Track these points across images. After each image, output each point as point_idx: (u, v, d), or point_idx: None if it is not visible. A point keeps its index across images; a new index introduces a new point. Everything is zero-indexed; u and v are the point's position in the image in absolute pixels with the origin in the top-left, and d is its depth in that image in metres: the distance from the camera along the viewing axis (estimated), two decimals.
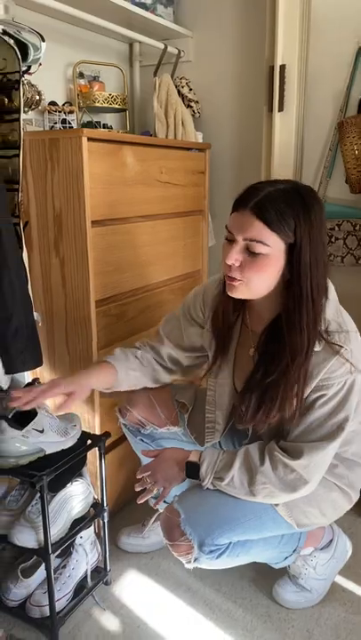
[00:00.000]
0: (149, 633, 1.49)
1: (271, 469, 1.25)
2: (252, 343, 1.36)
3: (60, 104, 2.06)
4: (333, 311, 1.26)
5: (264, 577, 1.66)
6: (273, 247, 1.19)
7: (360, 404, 1.29)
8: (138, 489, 1.42)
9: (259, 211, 1.18)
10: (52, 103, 2.02)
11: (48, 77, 1.95)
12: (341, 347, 1.21)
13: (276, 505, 1.35)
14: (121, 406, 1.65)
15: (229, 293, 1.28)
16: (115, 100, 2.21)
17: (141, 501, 1.42)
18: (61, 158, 1.59)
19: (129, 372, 1.50)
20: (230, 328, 1.40)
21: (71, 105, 2.10)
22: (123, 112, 2.34)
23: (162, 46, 2.30)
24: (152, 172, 1.90)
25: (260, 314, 1.35)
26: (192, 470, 1.35)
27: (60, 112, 2.04)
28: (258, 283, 1.23)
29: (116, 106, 2.21)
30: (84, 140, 1.56)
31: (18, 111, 1.46)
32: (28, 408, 1.36)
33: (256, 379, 1.30)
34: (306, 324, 1.20)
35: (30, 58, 1.48)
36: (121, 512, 1.89)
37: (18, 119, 1.46)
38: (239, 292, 1.26)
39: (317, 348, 1.21)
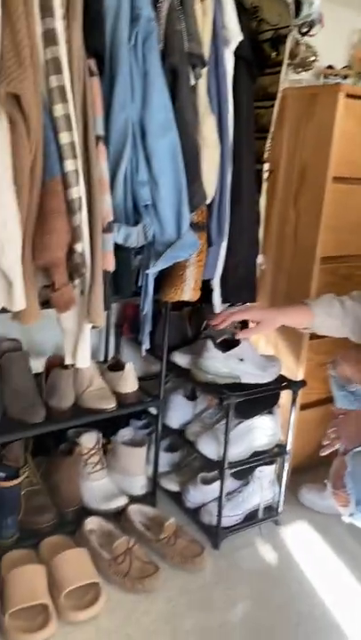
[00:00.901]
0: (302, 580, 1.53)
1: None
2: None
3: (339, 68, 2.09)
4: None
5: None
6: None
7: None
8: (324, 443, 1.45)
9: None
10: (329, 67, 2.07)
11: (330, 41, 1.99)
12: None
13: None
14: (335, 358, 1.67)
15: None
16: None
17: (323, 454, 1.45)
18: (316, 113, 1.65)
19: (327, 319, 1.49)
20: None
21: (349, 69, 2.12)
22: None
23: None
24: None
25: None
26: None
27: (335, 75, 2.08)
28: None
29: None
30: (341, 95, 1.59)
31: (281, 64, 1.57)
32: (221, 327, 1.50)
33: None
34: None
35: (303, 14, 1.56)
36: (311, 469, 1.92)
37: (280, 72, 1.57)
38: None
39: None
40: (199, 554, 1.52)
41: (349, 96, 1.61)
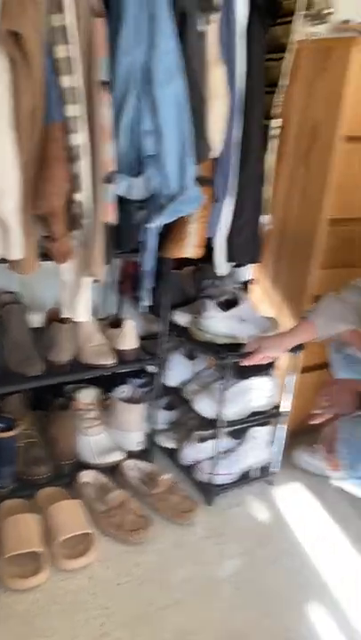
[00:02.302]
0: (292, 539, 1.55)
1: None
2: None
3: (356, 23, 2.01)
4: None
5: None
6: None
7: None
8: (315, 412, 1.46)
9: None
10: (345, 21, 1.98)
11: None
12: None
13: None
14: None
15: None
16: None
17: (313, 422, 1.46)
18: (329, 68, 1.59)
19: (330, 324, 1.49)
20: None
21: None
22: None
23: None
24: None
25: None
26: None
27: (351, 30, 1.99)
28: None
29: None
30: (356, 50, 1.52)
31: (295, 14, 1.50)
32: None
33: None
34: None
35: None
36: (308, 431, 1.90)
37: (293, 22, 1.50)
38: None
39: None
40: (191, 509, 1.54)
41: None
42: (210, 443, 1.65)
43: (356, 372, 1.61)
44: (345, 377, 1.63)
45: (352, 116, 1.59)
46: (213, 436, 1.61)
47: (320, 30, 1.89)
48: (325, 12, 1.81)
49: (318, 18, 1.80)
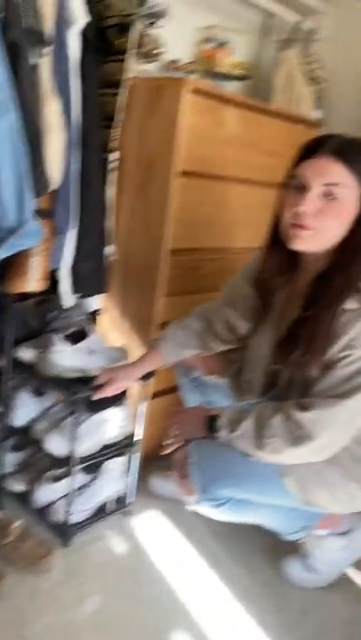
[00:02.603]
0: (151, 567, 1.55)
1: (280, 420, 1.24)
2: (297, 303, 1.33)
3: (184, 63, 2.13)
4: None
5: (277, 549, 1.63)
6: (352, 192, 1.18)
7: None
8: (165, 443, 1.48)
9: (339, 154, 1.17)
10: (173, 61, 2.09)
11: (177, 36, 2.02)
12: None
13: (287, 476, 1.33)
14: None
15: (294, 245, 1.24)
16: (237, 67, 2.24)
17: (164, 453, 1.48)
18: (162, 105, 1.66)
19: (175, 351, 1.56)
20: (276, 288, 1.39)
21: (192, 64, 2.17)
22: (244, 80, 2.36)
23: (297, 19, 2.29)
24: (254, 137, 1.91)
25: (310, 270, 1.31)
26: (212, 424, 1.35)
27: (180, 70, 2.11)
28: (331, 230, 1.21)
29: (238, 72, 2.24)
30: (187, 89, 1.61)
31: (125, 52, 1.55)
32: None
33: (299, 323, 1.29)
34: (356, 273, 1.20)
35: (147, 5, 1.56)
36: (164, 458, 1.95)
37: (124, 60, 1.55)
38: (306, 243, 1.23)
39: (355, 305, 1.18)
40: (47, 554, 1.47)
41: (196, 92, 1.64)
42: (63, 481, 1.59)
43: (203, 393, 1.69)
44: (193, 399, 1.69)
45: (186, 153, 1.67)
46: (67, 474, 1.56)
47: (151, 68, 1.98)
48: (155, 51, 1.89)
49: (149, 56, 1.87)
